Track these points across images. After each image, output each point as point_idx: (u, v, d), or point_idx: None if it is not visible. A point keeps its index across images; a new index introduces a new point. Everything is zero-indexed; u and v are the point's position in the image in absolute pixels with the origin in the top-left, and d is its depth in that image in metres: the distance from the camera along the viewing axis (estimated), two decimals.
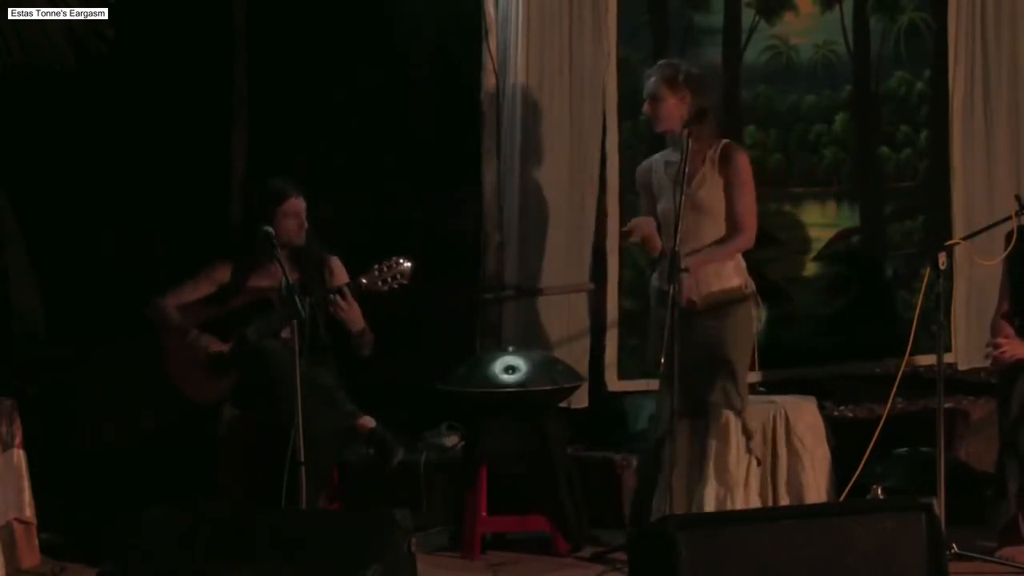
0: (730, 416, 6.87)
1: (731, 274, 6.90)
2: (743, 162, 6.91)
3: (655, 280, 6.95)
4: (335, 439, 6.83)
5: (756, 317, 6.99)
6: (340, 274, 7.05)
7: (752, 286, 6.94)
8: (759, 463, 7.06)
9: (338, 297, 6.72)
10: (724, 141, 6.94)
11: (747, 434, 6.93)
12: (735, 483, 6.93)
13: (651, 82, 6.89)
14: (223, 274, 7.07)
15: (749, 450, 6.97)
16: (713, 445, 6.90)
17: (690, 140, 6.62)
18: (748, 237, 6.89)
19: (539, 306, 7.56)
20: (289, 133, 8.22)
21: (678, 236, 6.50)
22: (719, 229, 6.87)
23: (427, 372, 7.27)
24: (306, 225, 7.01)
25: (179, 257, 7.51)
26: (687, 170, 6.62)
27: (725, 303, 6.86)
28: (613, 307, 7.61)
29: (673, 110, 6.83)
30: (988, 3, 7.89)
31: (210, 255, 7.13)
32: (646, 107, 6.90)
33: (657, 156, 7.05)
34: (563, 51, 7.53)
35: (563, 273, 7.56)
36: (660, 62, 7.04)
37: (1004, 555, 6.66)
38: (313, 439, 6.36)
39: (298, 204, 7.00)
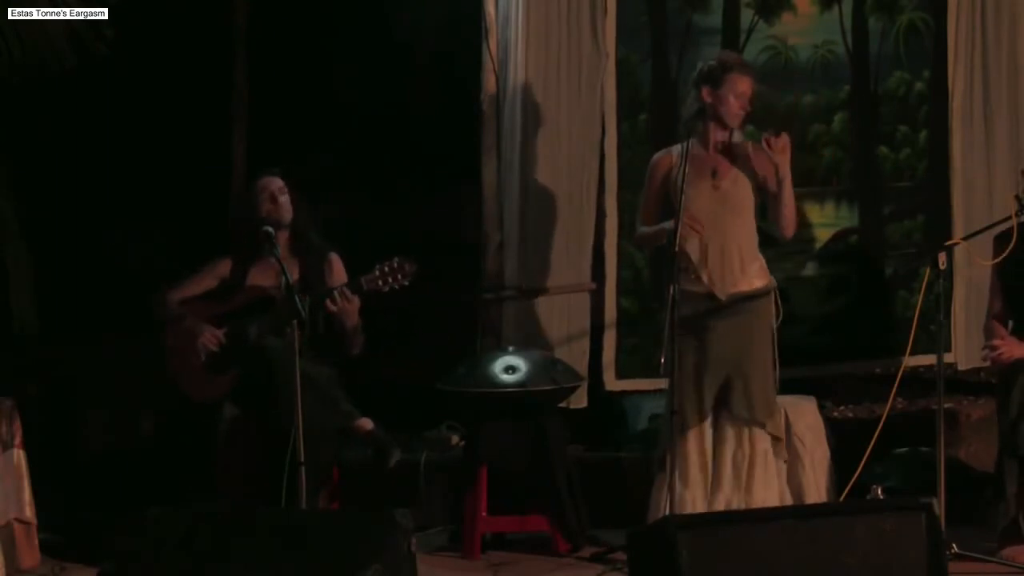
0: (756, 430, 6.89)
1: (756, 274, 6.90)
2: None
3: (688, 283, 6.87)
4: (333, 438, 6.83)
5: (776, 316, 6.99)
6: (339, 271, 7.06)
7: (774, 283, 6.95)
8: (785, 461, 7.08)
9: (336, 294, 6.75)
10: (751, 141, 6.99)
11: (774, 441, 6.93)
12: (768, 486, 6.92)
13: (750, 83, 6.86)
14: (223, 270, 7.10)
15: (776, 455, 6.96)
16: (739, 454, 6.92)
17: (693, 138, 6.65)
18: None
19: (539, 306, 7.56)
20: (289, 133, 8.21)
21: (679, 236, 6.52)
22: (744, 224, 6.88)
23: (427, 372, 7.27)
24: (282, 201, 7.00)
25: (180, 257, 7.51)
26: (714, 167, 6.66)
27: (749, 299, 6.86)
28: (611, 307, 7.60)
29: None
30: (988, 3, 7.89)
31: (211, 255, 7.13)
32: (742, 107, 6.84)
33: (678, 148, 6.98)
34: (563, 51, 7.53)
35: (563, 273, 7.56)
36: (743, 59, 7.01)
37: (1005, 556, 6.66)
38: (311, 438, 6.37)
39: (270, 182, 7.03)
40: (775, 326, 6.93)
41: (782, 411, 7.09)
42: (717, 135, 6.87)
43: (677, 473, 6.65)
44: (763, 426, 6.87)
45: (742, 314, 6.86)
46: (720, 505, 6.91)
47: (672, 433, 6.59)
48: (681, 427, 6.72)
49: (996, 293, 7.01)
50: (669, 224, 6.75)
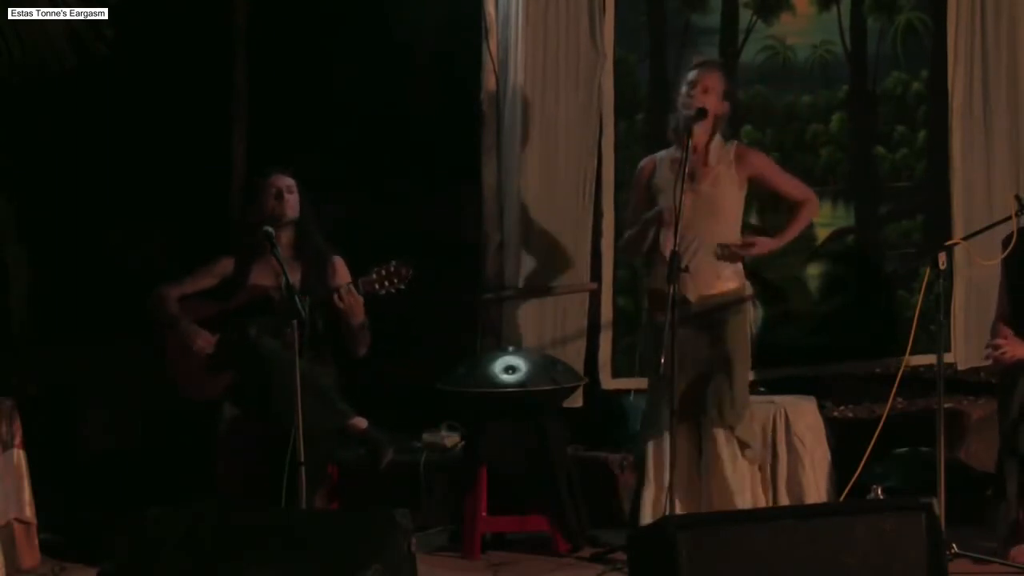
0: (722, 432, 6.88)
1: (730, 276, 6.91)
2: (761, 155, 7.05)
3: (654, 282, 6.92)
4: (330, 438, 6.84)
5: (753, 320, 6.99)
6: (343, 274, 7.07)
7: (750, 289, 6.96)
8: (759, 468, 7.08)
9: (343, 291, 6.76)
10: (735, 142, 6.97)
11: (743, 446, 6.92)
12: (734, 488, 6.91)
13: (716, 77, 6.85)
14: (225, 268, 7.11)
15: (746, 457, 6.95)
16: (710, 453, 6.92)
17: (691, 139, 6.65)
18: (813, 202, 7.02)
19: (539, 306, 7.56)
20: (289, 133, 8.21)
21: (678, 236, 6.52)
22: (728, 228, 6.89)
23: (427, 372, 7.27)
24: (288, 198, 7.01)
25: (180, 258, 7.52)
26: (693, 170, 6.66)
27: (723, 306, 6.87)
28: (607, 306, 7.61)
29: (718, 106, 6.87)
30: (987, 3, 7.89)
31: (211, 256, 7.14)
32: (700, 100, 6.82)
33: (662, 153, 7.02)
34: (561, 51, 7.53)
35: (563, 273, 7.57)
36: (708, 58, 7.02)
37: (1011, 557, 6.62)
38: (309, 438, 6.37)
39: (279, 179, 7.05)
40: (752, 332, 6.94)
41: (755, 416, 7.08)
42: (699, 138, 6.84)
43: (667, 474, 6.65)
44: (732, 429, 6.86)
45: (716, 317, 6.86)
46: (702, 508, 6.92)
47: (671, 433, 6.58)
48: (658, 428, 6.74)
49: (1004, 293, 7.01)
50: (649, 215, 6.83)
